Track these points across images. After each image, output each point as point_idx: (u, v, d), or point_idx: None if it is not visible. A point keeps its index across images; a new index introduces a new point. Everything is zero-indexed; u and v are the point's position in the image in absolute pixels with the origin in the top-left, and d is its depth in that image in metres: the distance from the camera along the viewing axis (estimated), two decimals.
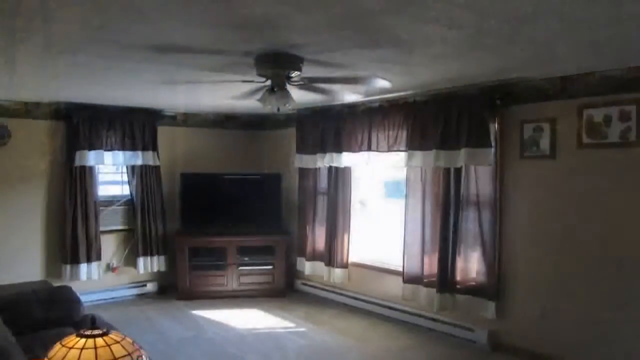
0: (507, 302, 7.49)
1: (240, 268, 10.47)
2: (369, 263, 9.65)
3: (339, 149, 9.33)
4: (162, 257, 10.60)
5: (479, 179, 7.50)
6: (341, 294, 9.93)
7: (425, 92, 7.86)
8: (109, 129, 9.79)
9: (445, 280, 7.93)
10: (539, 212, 7.10)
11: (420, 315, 8.55)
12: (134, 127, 10.04)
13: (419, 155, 7.99)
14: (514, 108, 7.19)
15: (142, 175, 10.25)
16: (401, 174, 8.88)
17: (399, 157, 8.44)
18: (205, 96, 8.46)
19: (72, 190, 9.47)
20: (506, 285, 7.48)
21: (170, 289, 10.66)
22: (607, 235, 6.48)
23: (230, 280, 10.44)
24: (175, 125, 10.91)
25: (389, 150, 8.55)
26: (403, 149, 8.31)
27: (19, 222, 9.29)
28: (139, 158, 10.11)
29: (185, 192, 10.61)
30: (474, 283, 7.74)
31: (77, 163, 9.40)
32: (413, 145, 8.08)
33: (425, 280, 8.21)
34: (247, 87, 6.37)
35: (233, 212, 10.70)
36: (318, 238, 10.19)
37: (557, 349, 6.98)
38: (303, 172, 10.39)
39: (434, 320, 8.36)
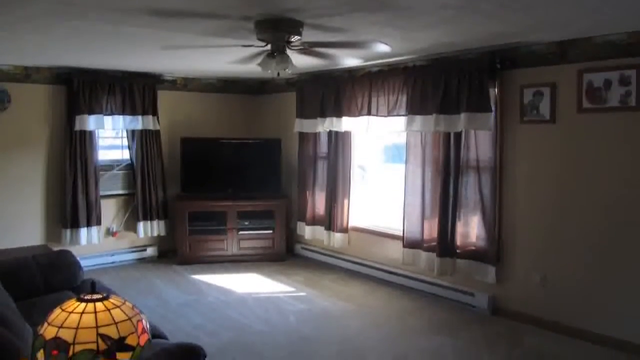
0: (507, 266, 7.52)
1: (241, 233, 10.49)
2: (369, 228, 9.68)
3: (339, 114, 9.32)
4: (162, 222, 10.62)
5: (479, 144, 7.50)
6: (341, 259, 9.96)
7: (425, 56, 7.84)
8: (109, 93, 9.77)
9: (445, 245, 7.94)
10: (538, 176, 7.10)
11: (420, 280, 8.58)
12: (134, 91, 10.02)
13: (418, 119, 7.97)
14: (514, 72, 7.18)
15: (142, 140, 10.24)
16: (401, 138, 8.88)
17: (399, 122, 8.41)
18: (205, 61, 8.44)
19: (72, 155, 9.46)
20: (506, 250, 7.50)
21: (170, 253, 10.71)
22: (607, 199, 6.50)
23: (230, 245, 10.47)
24: (176, 90, 10.90)
25: (389, 114, 8.53)
26: (403, 113, 8.30)
27: (19, 186, 9.29)
28: (138, 122, 10.10)
29: (186, 157, 10.60)
30: (474, 248, 7.77)
31: (77, 127, 9.39)
32: (413, 109, 8.06)
33: (425, 245, 8.23)
34: (247, 51, 6.35)
35: (233, 177, 10.71)
36: (318, 203, 10.21)
37: (557, 314, 7.02)
38: (303, 137, 10.39)
39: (434, 284, 8.38)
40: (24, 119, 9.20)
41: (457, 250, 7.91)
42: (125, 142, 10.46)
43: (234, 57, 6.98)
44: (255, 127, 11.85)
